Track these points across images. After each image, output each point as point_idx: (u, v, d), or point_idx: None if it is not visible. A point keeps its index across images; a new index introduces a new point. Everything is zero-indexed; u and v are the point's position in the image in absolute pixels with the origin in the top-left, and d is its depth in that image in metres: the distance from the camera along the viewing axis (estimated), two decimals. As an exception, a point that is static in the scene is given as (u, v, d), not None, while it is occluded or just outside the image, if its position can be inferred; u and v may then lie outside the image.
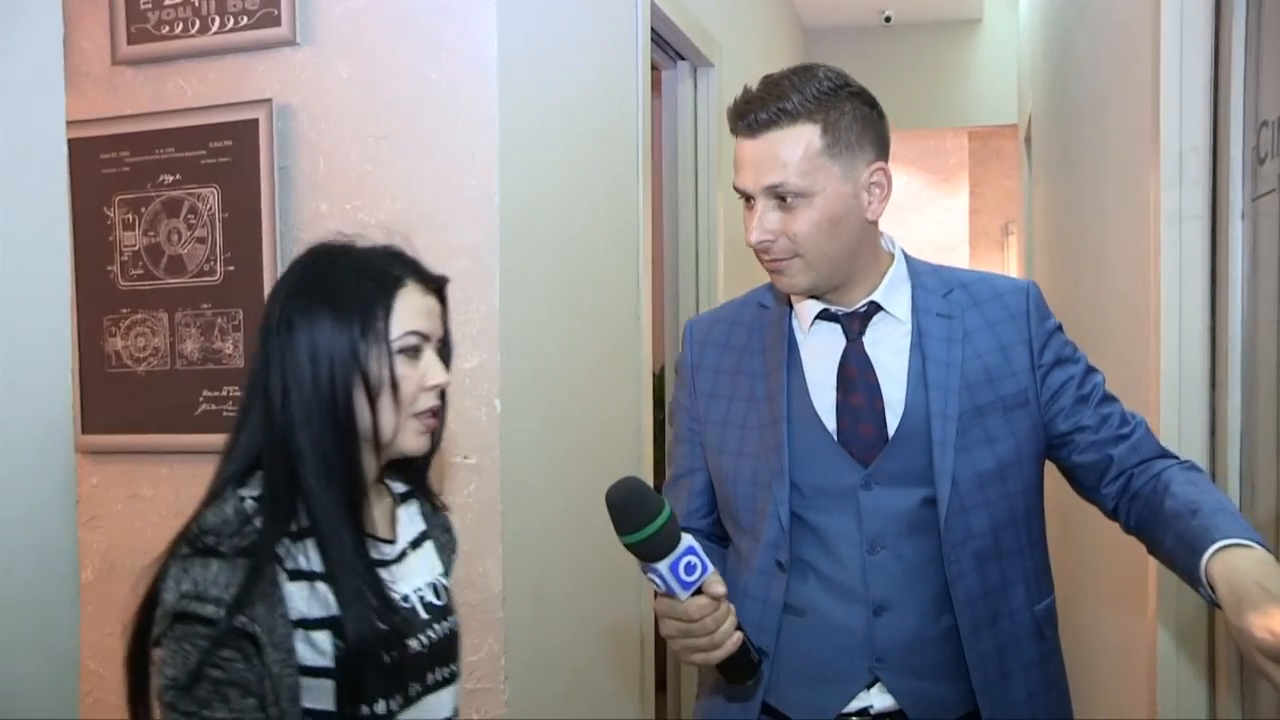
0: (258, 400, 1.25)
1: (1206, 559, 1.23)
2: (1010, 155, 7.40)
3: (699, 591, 1.29)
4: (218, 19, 2.08)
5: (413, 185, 2.00)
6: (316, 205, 2.04)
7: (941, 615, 1.45)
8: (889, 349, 1.50)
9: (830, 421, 1.48)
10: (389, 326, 1.26)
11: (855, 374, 1.49)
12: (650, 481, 2.87)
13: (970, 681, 1.45)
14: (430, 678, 1.34)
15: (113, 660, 2.16)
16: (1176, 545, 1.32)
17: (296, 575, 1.22)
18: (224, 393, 2.07)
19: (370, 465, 1.31)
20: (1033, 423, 1.51)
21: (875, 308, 1.51)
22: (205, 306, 2.08)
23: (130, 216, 2.12)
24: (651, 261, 2.92)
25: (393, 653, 1.25)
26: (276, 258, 2.03)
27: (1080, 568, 3.15)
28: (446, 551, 1.49)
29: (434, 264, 1.96)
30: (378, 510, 1.36)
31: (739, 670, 1.36)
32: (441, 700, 1.36)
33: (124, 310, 2.13)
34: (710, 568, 1.30)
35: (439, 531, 1.48)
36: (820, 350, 1.52)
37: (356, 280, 1.27)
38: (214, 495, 1.23)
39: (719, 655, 1.32)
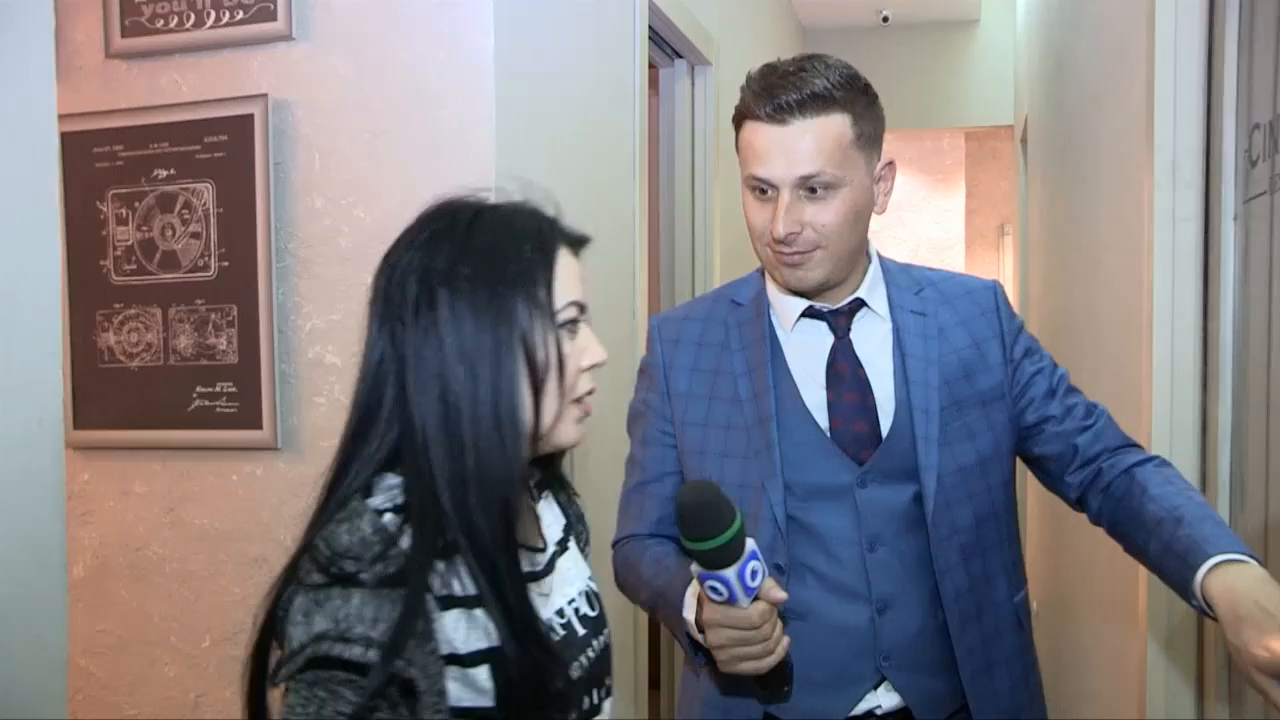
0: (386, 394, 1.04)
1: (1202, 575, 1.23)
2: (1006, 156, 7.41)
3: (756, 598, 1.26)
4: (213, 13, 2.07)
5: (409, 181, 1.99)
6: (312, 201, 2.04)
7: (936, 610, 1.46)
8: (873, 346, 1.51)
9: (823, 419, 1.47)
10: (552, 297, 1.07)
11: (845, 371, 1.49)
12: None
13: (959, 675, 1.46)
14: (588, 701, 1.16)
15: (103, 657, 2.18)
16: (1164, 554, 1.33)
17: (449, 602, 1.02)
18: (218, 388, 2.07)
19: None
20: (1008, 416, 1.53)
21: (859, 304, 1.51)
22: (199, 302, 2.07)
23: (124, 211, 2.12)
24: (647, 260, 2.92)
25: (557, 683, 1.05)
26: (271, 253, 2.03)
27: (1071, 571, 3.16)
28: (587, 547, 1.33)
29: (428, 261, 1.98)
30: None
31: (781, 679, 1.33)
32: None
33: (117, 305, 2.13)
34: (767, 572, 1.26)
35: (578, 524, 1.30)
36: (806, 348, 1.51)
37: (513, 242, 1.07)
38: (339, 507, 1.02)
39: (771, 662, 1.28)
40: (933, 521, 1.44)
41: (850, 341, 1.50)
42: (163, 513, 2.14)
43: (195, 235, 2.08)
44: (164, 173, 2.09)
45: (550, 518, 1.23)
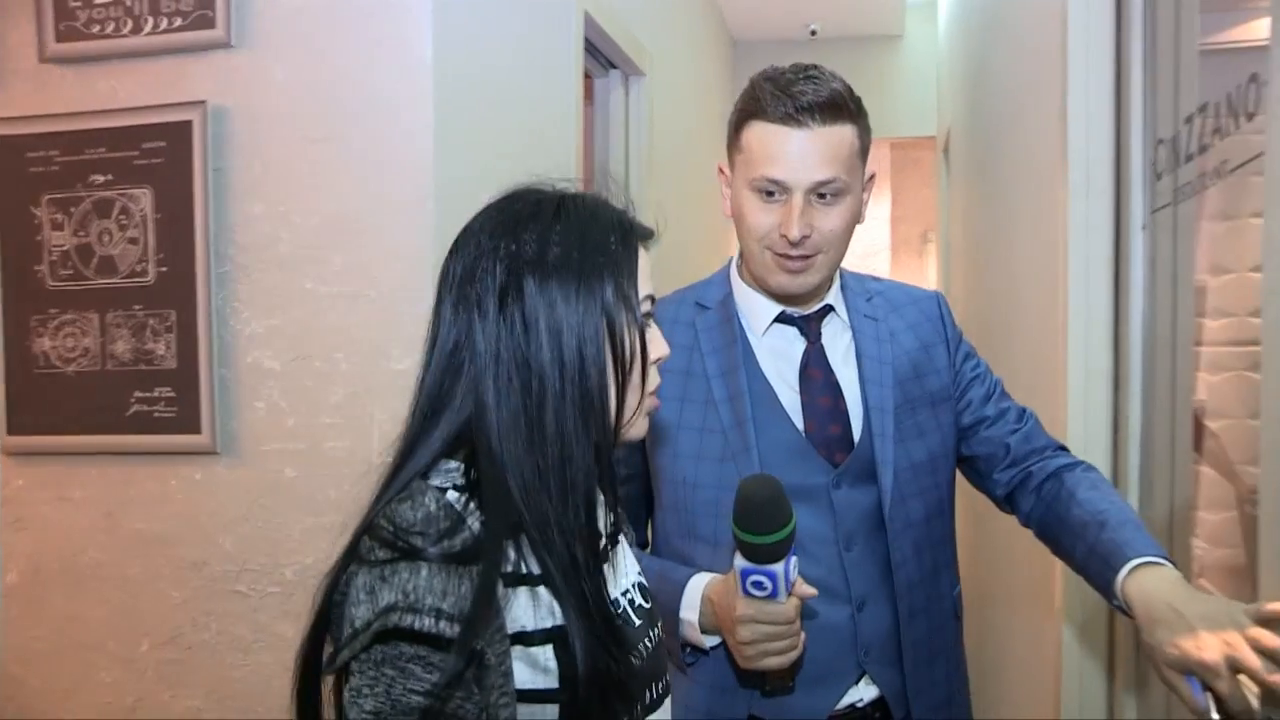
0: (460, 382, 1.01)
1: (1122, 578, 1.30)
2: (929, 166, 7.57)
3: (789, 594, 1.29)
4: (151, 19, 2.08)
5: (348, 188, 2.02)
6: (251, 207, 2.05)
7: (900, 603, 1.51)
8: (839, 351, 1.56)
9: (798, 422, 1.50)
10: (636, 289, 1.06)
11: (818, 375, 1.53)
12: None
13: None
14: (649, 695, 1.13)
15: (37, 664, 2.17)
16: (1089, 558, 1.39)
17: (517, 580, 0.99)
18: (156, 393, 2.07)
19: None
20: (952, 417, 1.59)
21: (828, 310, 1.57)
22: (137, 307, 2.07)
23: (59, 216, 2.11)
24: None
25: (621, 668, 1.02)
26: (210, 259, 2.04)
27: (989, 566, 3.25)
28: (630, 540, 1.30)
29: (368, 266, 2.01)
30: None
31: (793, 671, 1.37)
32: None
33: (52, 310, 2.12)
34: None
35: (624, 523, 1.27)
36: (778, 352, 1.55)
37: (600, 232, 1.06)
38: (401, 489, 1.00)
39: (795, 655, 1.32)
40: (889, 515, 1.49)
41: (822, 346, 1.55)
42: (100, 518, 2.14)
43: (133, 241, 2.08)
44: (101, 178, 2.09)
45: (602, 511, 1.19)
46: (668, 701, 1.18)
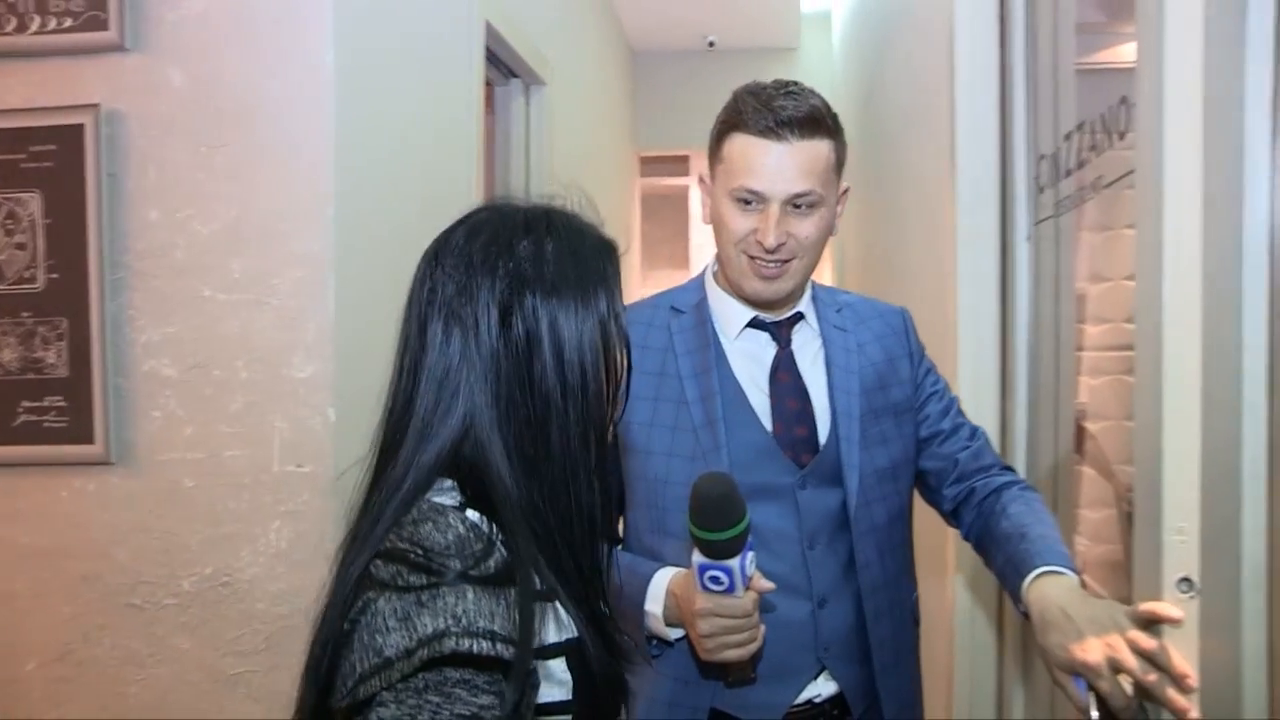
0: (455, 404, 1.00)
1: (1026, 584, 1.37)
2: (825, 177, 7.72)
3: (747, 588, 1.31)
4: (37, 19, 2.02)
5: (248, 195, 1.99)
6: (147, 213, 2.01)
7: (866, 604, 1.55)
8: (808, 357, 1.61)
9: (767, 423, 1.55)
10: (620, 305, 1.07)
11: (787, 379, 1.58)
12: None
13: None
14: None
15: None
16: (1005, 566, 1.46)
17: (537, 597, 0.99)
18: (46, 403, 2.01)
19: None
20: (913, 429, 1.65)
21: (799, 318, 1.62)
22: (25, 315, 2.01)
23: (-59, 220, 2.04)
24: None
25: (626, 673, 1.05)
26: (103, 265, 1.99)
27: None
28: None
29: (269, 273, 1.99)
30: None
31: (753, 663, 1.41)
32: None
33: (-66, 318, 2.04)
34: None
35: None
36: (749, 355, 1.59)
37: (592, 248, 1.06)
38: (402, 510, 0.97)
39: (754, 648, 1.35)
40: (854, 517, 1.54)
41: (792, 352, 1.60)
42: (-15, 530, 2.07)
43: (20, 246, 2.02)
44: (-15, 181, 2.02)
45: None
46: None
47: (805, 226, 1.50)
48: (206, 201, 2.00)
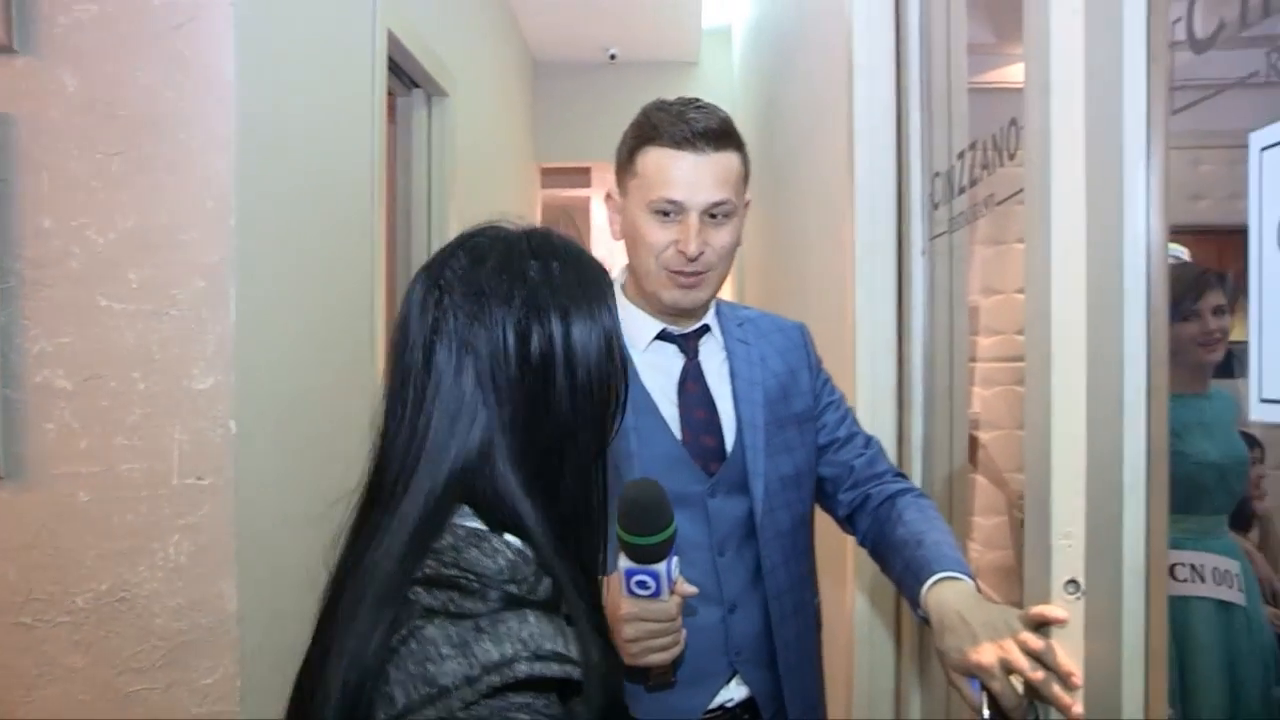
0: (471, 426, 0.96)
1: (925, 590, 1.41)
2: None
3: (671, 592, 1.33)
4: (-81, 19, 1.95)
5: (146, 204, 1.95)
6: (39, 222, 1.95)
7: (771, 607, 1.59)
8: (714, 369, 1.65)
9: (677, 433, 1.58)
10: (618, 323, 1.06)
11: (695, 390, 1.61)
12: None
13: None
14: None
15: None
16: (904, 572, 1.50)
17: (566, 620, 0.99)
18: (-72, 416, 1.94)
19: None
20: (813, 438, 1.69)
21: (706, 330, 1.66)
22: (-93, 325, 1.94)
23: None
24: (386, 283, 2.95)
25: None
26: (-9, 274, 1.93)
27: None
28: None
29: (169, 283, 1.95)
30: None
31: (674, 667, 1.42)
32: None
33: None
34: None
35: None
36: (657, 367, 1.62)
37: (592, 269, 1.05)
38: (429, 535, 0.94)
39: (677, 652, 1.36)
40: (760, 524, 1.58)
41: (699, 363, 1.63)
42: None
43: (-99, 254, 1.94)
44: None
45: None
46: None
47: (721, 236, 1.54)
48: (103, 210, 1.96)
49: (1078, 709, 1.17)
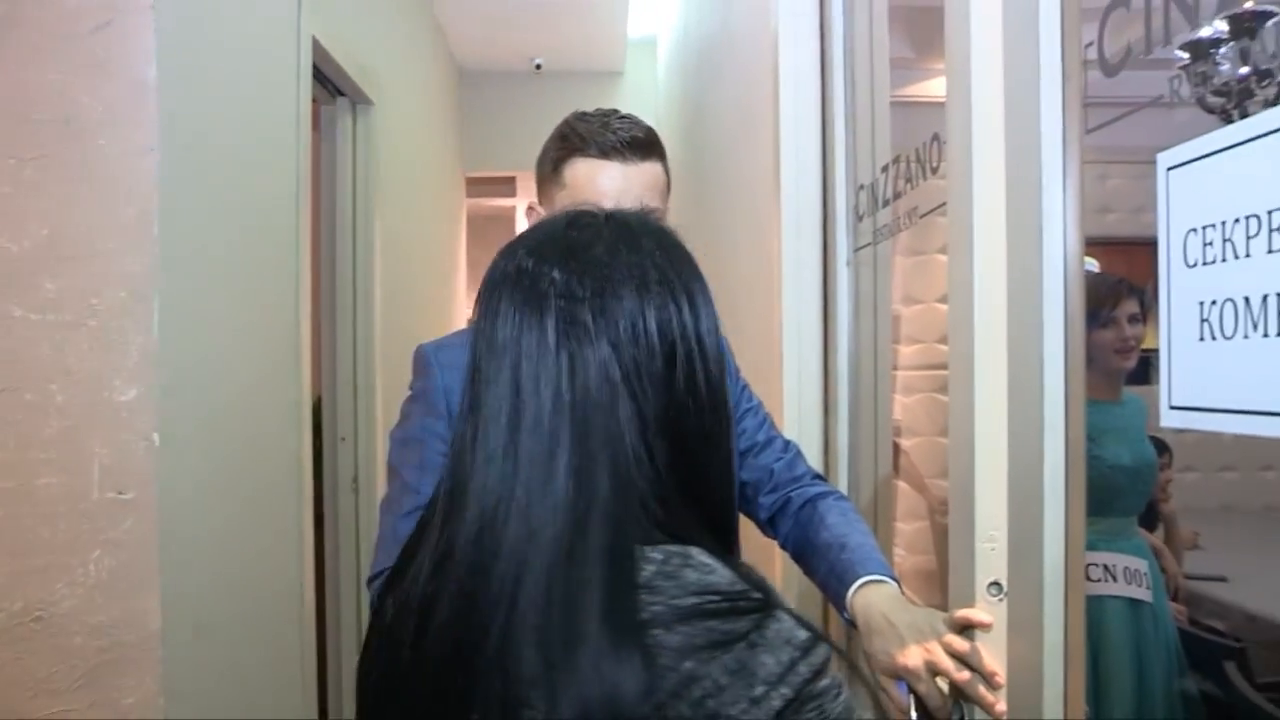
0: (636, 451, 0.84)
1: (851, 593, 1.42)
2: (651, 200, 7.86)
3: None
4: None
5: (64, 212, 1.91)
6: (-50, 229, 1.90)
7: None
8: None
9: None
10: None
11: None
12: (309, 511, 2.85)
13: None
14: None
15: None
16: (828, 576, 1.51)
17: None
18: None
19: None
20: (735, 443, 1.70)
21: None
22: None
23: None
24: (311, 293, 2.92)
25: None
26: (-100, 284, 1.87)
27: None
28: None
29: (88, 293, 1.92)
30: None
31: None
32: None
33: None
34: None
35: None
36: None
37: (689, 253, 0.96)
38: (628, 561, 0.81)
39: None
40: None
41: None
42: None
43: None
44: None
45: None
46: None
47: None
48: (17, 217, 1.91)
49: (1001, 707, 1.20)
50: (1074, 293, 1.12)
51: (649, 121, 1.61)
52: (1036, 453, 1.14)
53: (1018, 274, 1.19)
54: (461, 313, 6.40)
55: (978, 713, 1.23)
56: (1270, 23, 1.03)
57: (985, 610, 1.25)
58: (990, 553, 1.26)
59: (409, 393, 1.59)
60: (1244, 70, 1.06)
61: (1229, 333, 0.83)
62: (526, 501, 0.82)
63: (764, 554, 2.31)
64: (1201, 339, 0.86)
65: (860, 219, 2.02)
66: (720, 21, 3.25)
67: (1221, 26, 1.09)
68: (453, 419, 1.55)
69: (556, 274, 0.87)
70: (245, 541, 2.41)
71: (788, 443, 1.76)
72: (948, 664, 1.23)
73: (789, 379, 2.16)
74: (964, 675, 1.22)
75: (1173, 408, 0.90)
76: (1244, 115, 0.93)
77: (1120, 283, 2.36)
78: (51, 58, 1.92)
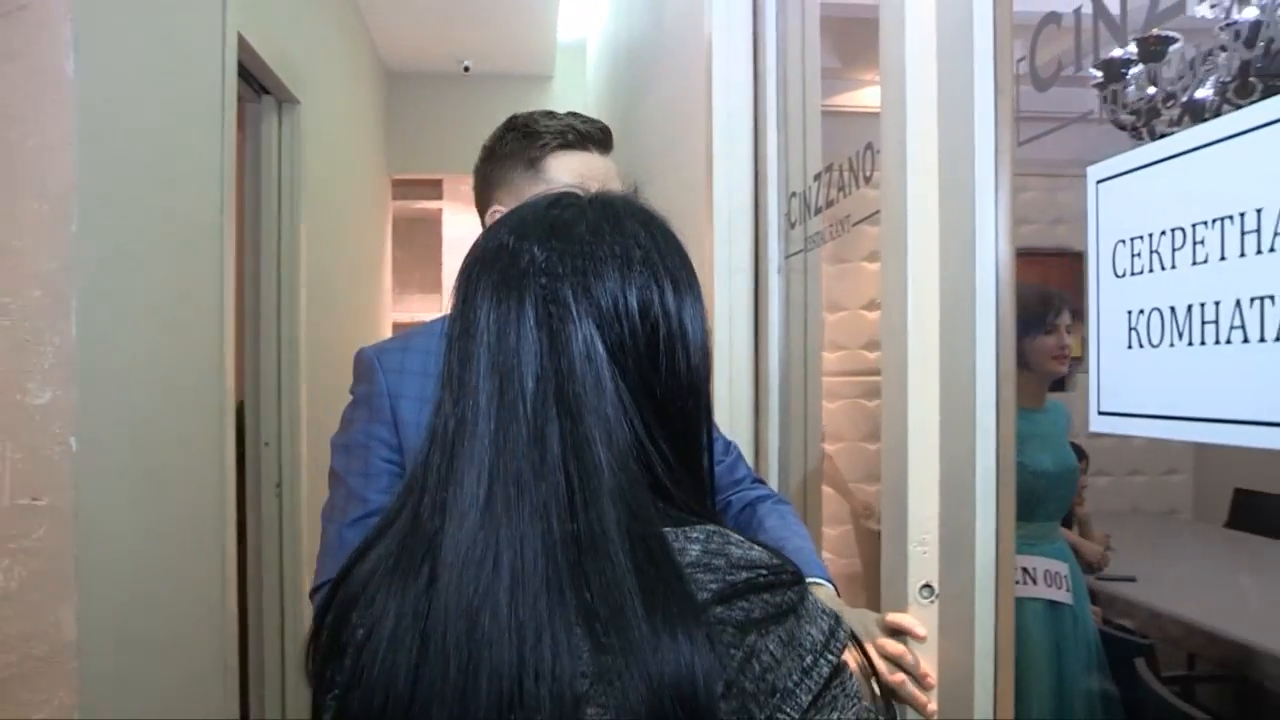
0: (631, 436, 0.81)
1: None
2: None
3: None
4: None
5: (-23, 208, 1.85)
6: None
7: None
8: None
9: None
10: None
11: None
12: (232, 517, 2.80)
13: None
14: None
15: None
16: None
17: None
18: None
19: None
20: None
21: None
22: None
23: None
24: (236, 293, 2.86)
25: None
26: None
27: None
28: None
29: (0, 293, 1.85)
30: None
31: None
32: None
33: None
34: None
35: None
36: None
37: (684, 247, 0.92)
38: (662, 543, 0.78)
39: None
40: None
41: None
42: None
43: None
44: None
45: None
46: None
47: None
48: (-73, 214, 1.84)
49: (932, 708, 1.22)
50: (1005, 301, 1.15)
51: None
52: (969, 457, 1.17)
53: (951, 282, 1.21)
54: (387, 315, 6.33)
55: (910, 713, 1.25)
56: (1173, 47, 1.07)
57: (918, 611, 1.27)
58: (922, 556, 1.28)
59: (350, 397, 1.56)
60: (1151, 90, 1.09)
61: (1156, 341, 0.85)
62: (519, 487, 0.77)
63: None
64: (1130, 347, 0.89)
65: (792, 226, 2.04)
66: (652, 27, 3.26)
67: (1132, 49, 1.12)
68: (398, 424, 1.53)
69: (537, 250, 0.84)
70: (167, 548, 2.35)
71: (728, 444, 1.77)
72: (881, 665, 1.25)
73: (721, 383, 2.18)
74: (897, 677, 1.24)
75: (1101, 413, 0.93)
76: (1152, 133, 0.96)
77: (1059, 293, 2.44)
78: (-37, 49, 1.86)
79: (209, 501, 2.66)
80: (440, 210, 6.55)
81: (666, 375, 0.83)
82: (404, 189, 6.52)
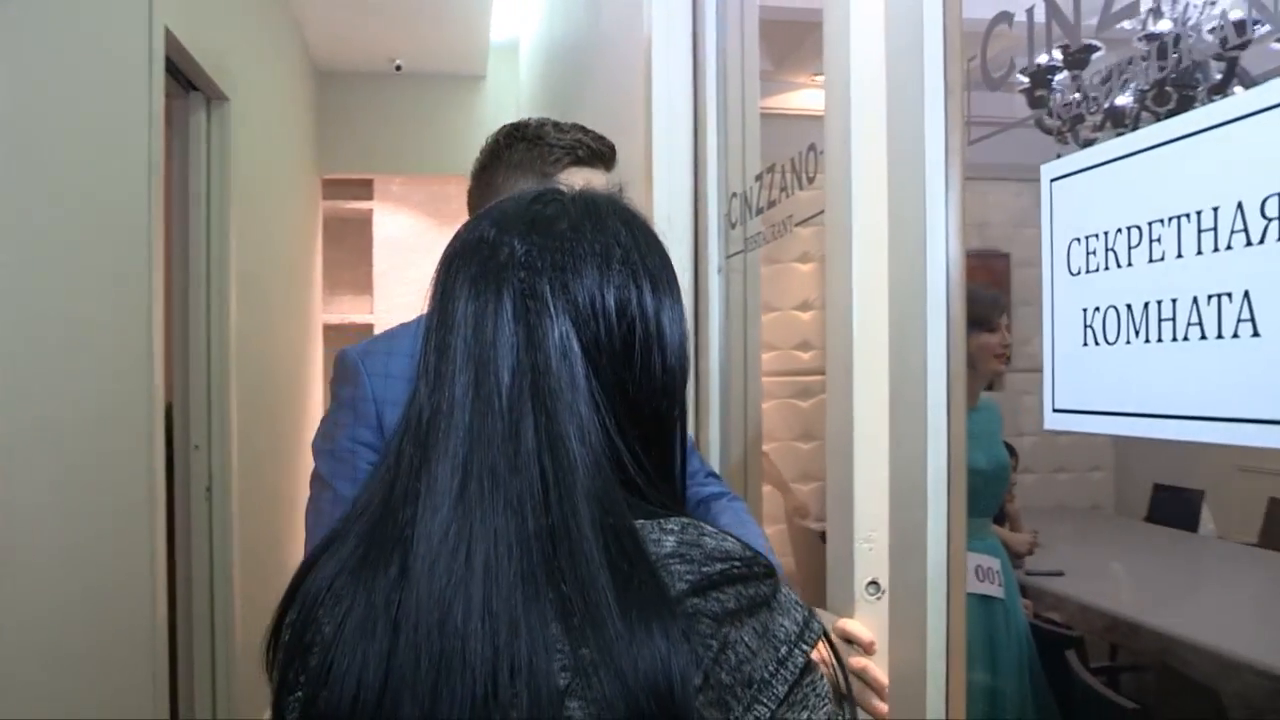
0: (604, 434, 0.80)
1: None
2: (510, 205, 7.79)
3: None
4: None
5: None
6: None
7: None
8: None
9: None
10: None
11: None
12: (161, 522, 2.73)
13: None
14: None
15: None
16: None
17: None
18: None
19: None
20: None
21: None
22: None
23: None
24: (164, 295, 2.79)
25: None
26: None
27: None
28: None
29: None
30: None
31: None
32: None
33: None
34: None
35: None
36: None
37: (665, 249, 0.90)
38: (632, 541, 0.77)
39: None
40: None
41: None
42: None
43: None
44: None
45: None
46: None
47: None
48: None
49: (884, 708, 1.23)
50: (956, 301, 1.16)
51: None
52: (920, 457, 1.18)
53: (901, 282, 1.22)
54: (318, 317, 6.23)
55: (861, 713, 1.26)
56: (1095, 55, 1.09)
57: (865, 608, 1.28)
58: (868, 553, 1.29)
59: (334, 400, 1.52)
60: (1075, 96, 1.12)
61: (1112, 339, 0.87)
62: (494, 480, 0.76)
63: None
64: (1085, 344, 0.90)
65: (733, 226, 2.05)
66: (589, 27, 3.25)
67: (1057, 56, 1.15)
68: (383, 428, 1.50)
69: (518, 244, 0.83)
70: (93, 555, 2.28)
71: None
72: (852, 663, 1.26)
73: (662, 384, 2.18)
74: (856, 685, 1.25)
75: (1056, 410, 0.94)
76: (1076, 138, 0.98)
77: (1000, 293, 2.50)
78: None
79: (137, 507, 2.59)
80: (371, 210, 6.46)
81: (641, 375, 0.83)
82: (335, 189, 6.42)
